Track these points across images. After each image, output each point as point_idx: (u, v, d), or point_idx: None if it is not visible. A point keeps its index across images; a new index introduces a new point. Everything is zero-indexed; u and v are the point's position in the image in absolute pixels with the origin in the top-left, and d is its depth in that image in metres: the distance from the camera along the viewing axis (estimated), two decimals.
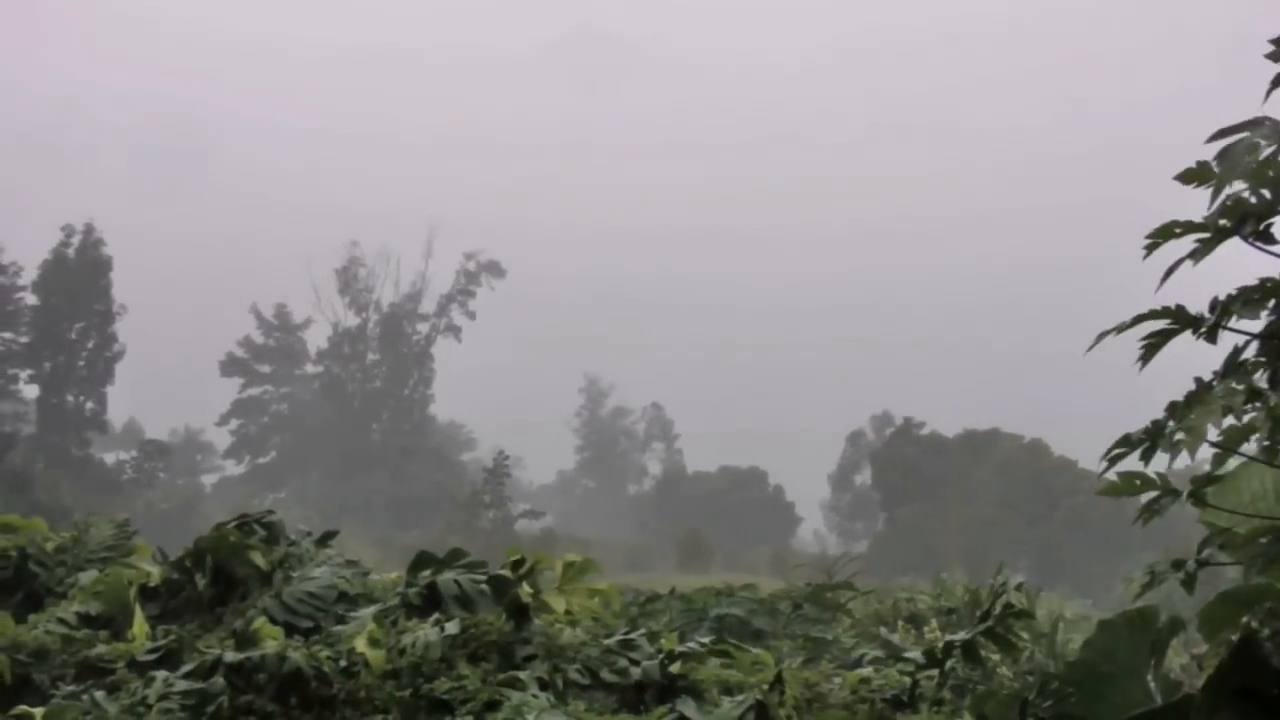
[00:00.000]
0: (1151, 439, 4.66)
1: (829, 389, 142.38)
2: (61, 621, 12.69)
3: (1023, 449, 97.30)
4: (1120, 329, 4.62)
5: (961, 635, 9.05)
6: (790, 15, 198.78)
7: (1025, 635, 11.94)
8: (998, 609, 8.94)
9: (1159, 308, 4.60)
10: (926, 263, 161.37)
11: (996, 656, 11.30)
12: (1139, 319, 4.63)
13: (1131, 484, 4.94)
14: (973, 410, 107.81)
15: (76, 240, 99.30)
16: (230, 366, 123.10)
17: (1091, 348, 4.66)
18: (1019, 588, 9.92)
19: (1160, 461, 4.70)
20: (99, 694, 10.75)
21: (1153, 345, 4.66)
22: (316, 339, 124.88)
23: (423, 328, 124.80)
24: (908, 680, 10.99)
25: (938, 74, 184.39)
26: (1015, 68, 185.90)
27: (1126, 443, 4.77)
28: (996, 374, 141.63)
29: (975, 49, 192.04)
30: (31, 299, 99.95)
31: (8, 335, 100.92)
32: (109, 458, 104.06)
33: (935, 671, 9.42)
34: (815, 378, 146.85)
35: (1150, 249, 4.56)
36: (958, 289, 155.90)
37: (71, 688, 11.25)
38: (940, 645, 9.38)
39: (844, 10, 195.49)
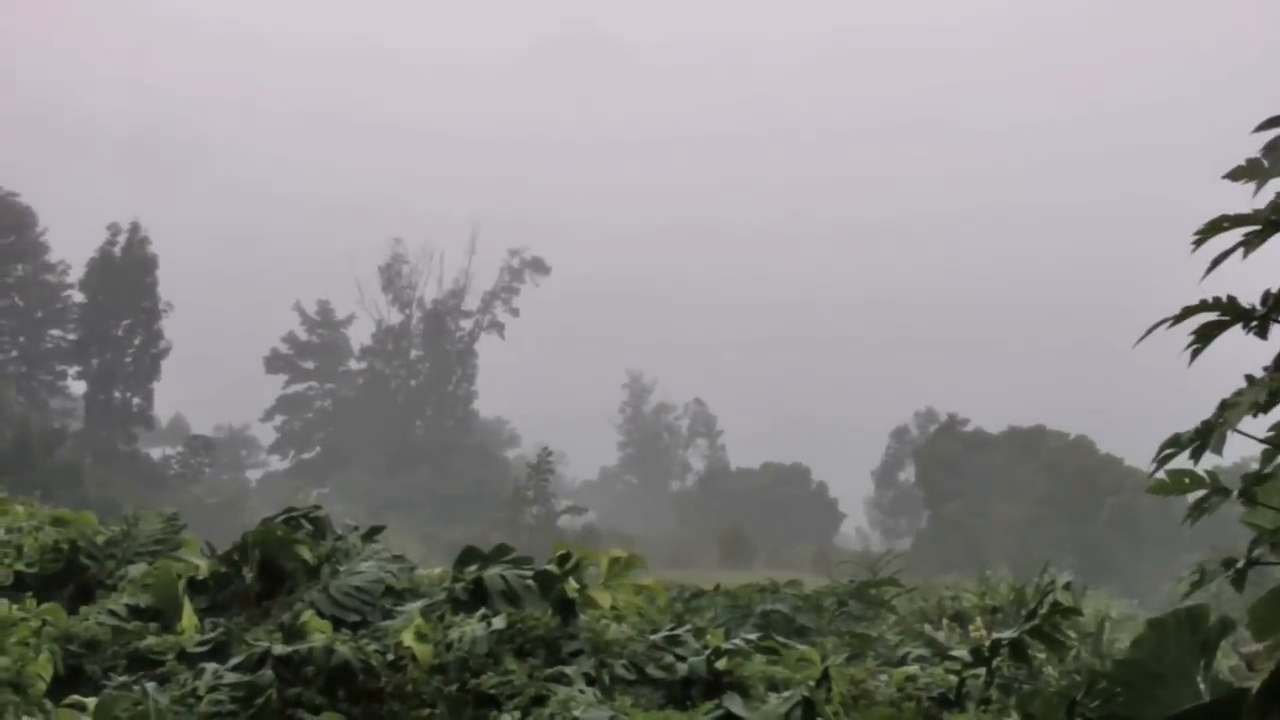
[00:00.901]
0: (1202, 438, 4.61)
1: (873, 385, 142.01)
2: (112, 613, 12.85)
3: (1068, 446, 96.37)
4: (1170, 322, 4.58)
5: (1008, 633, 8.98)
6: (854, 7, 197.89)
7: (1072, 634, 11.87)
8: (1044, 607, 8.88)
9: (1209, 299, 4.55)
10: (972, 259, 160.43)
11: (1043, 655, 11.23)
12: (1189, 310, 4.56)
13: (1181, 482, 4.90)
14: (1018, 407, 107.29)
15: (122, 239, 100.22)
16: (275, 363, 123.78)
17: (1142, 339, 4.60)
18: (1066, 586, 9.82)
19: (1210, 458, 4.66)
20: (150, 685, 10.87)
21: (1204, 337, 4.61)
22: (360, 335, 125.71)
23: (466, 324, 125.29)
24: (954, 678, 10.94)
25: (986, 68, 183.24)
26: (1061, 61, 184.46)
27: (1176, 443, 4.72)
28: (1042, 371, 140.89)
29: (1018, 43, 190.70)
30: (79, 297, 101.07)
31: (56, 332, 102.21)
32: (155, 453, 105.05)
33: (982, 670, 9.36)
34: (859, 374, 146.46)
35: (1198, 243, 4.52)
36: (1003, 286, 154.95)
37: (123, 679, 11.38)
38: (987, 643, 9.33)
39: (895, 5, 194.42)
